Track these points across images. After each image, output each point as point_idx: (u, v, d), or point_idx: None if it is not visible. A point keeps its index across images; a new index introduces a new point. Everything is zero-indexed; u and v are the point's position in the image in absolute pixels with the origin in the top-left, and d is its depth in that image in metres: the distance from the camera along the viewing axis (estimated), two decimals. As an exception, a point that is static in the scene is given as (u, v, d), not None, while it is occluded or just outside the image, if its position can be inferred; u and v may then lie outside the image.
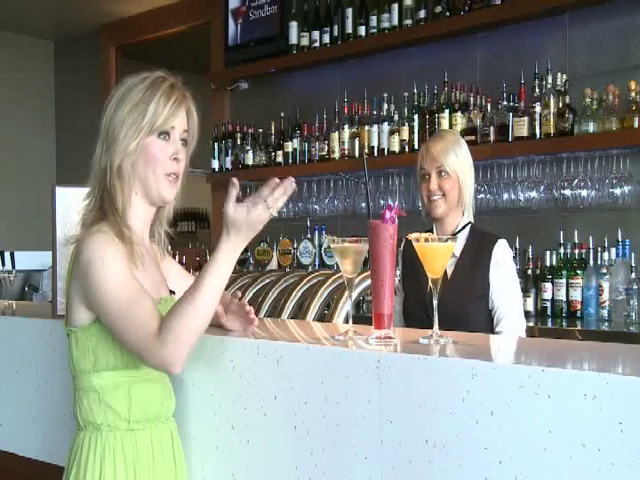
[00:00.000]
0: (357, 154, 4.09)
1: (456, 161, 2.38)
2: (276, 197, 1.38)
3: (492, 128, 3.55)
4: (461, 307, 2.30)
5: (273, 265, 2.88)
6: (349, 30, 4.22)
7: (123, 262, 1.43)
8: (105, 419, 1.48)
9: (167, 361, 1.35)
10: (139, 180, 1.53)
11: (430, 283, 1.48)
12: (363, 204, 4.18)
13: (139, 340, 1.37)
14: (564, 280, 3.38)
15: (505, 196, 3.63)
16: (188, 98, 1.57)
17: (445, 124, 3.69)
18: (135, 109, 1.50)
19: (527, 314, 3.42)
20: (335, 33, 4.29)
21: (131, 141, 1.50)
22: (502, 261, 2.36)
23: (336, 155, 4.20)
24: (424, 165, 2.41)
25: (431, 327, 1.47)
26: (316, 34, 4.37)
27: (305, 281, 2.37)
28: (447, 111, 3.70)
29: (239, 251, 1.41)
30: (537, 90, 3.43)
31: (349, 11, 4.21)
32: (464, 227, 2.41)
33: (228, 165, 4.79)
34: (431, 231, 2.43)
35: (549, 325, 3.25)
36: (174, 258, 1.93)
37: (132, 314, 1.38)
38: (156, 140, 1.52)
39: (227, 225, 1.38)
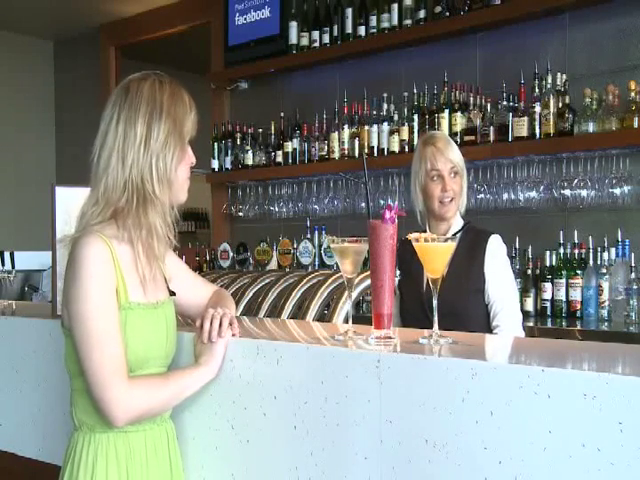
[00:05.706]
0: (357, 154, 4.09)
1: (461, 160, 2.40)
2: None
3: (492, 128, 3.55)
4: (458, 303, 2.29)
5: (273, 265, 2.87)
6: (349, 30, 4.22)
7: (111, 287, 1.43)
8: (98, 420, 1.47)
9: (119, 406, 1.39)
10: (170, 185, 1.53)
11: (430, 283, 1.48)
12: (363, 204, 4.18)
13: (103, 371, 1.38)
14: (564, 280, 3.38)
15: (505, 196, 3.63)
16: None
17: (445, 124, 3.69)
18: (169, 117, 1.51)
19: (527, 314, 3.43)
20: (335, 33, 4.29)
21: (175, 150, 1.52)
22: (496, 255, 2.36)
23: (336, 155, 4.20)
24: (437, 166, 2.37)
25: (429, 326, 1.47)
26: (316, 34, 4.37)
27: (305, 281, 2.37)
28: (447, 111, 3.70)
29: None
30: (537, 90, 3.43)
31: (349, 11, 4.21)
32: (463, 228, 2.41)
33: (228, 165, 4.79)
34: (425, 232, 2.43)
35: (549, 325, 3.25)
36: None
37: (103, 345, 1.39)
38: (187, 147, 1.57)
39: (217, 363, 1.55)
